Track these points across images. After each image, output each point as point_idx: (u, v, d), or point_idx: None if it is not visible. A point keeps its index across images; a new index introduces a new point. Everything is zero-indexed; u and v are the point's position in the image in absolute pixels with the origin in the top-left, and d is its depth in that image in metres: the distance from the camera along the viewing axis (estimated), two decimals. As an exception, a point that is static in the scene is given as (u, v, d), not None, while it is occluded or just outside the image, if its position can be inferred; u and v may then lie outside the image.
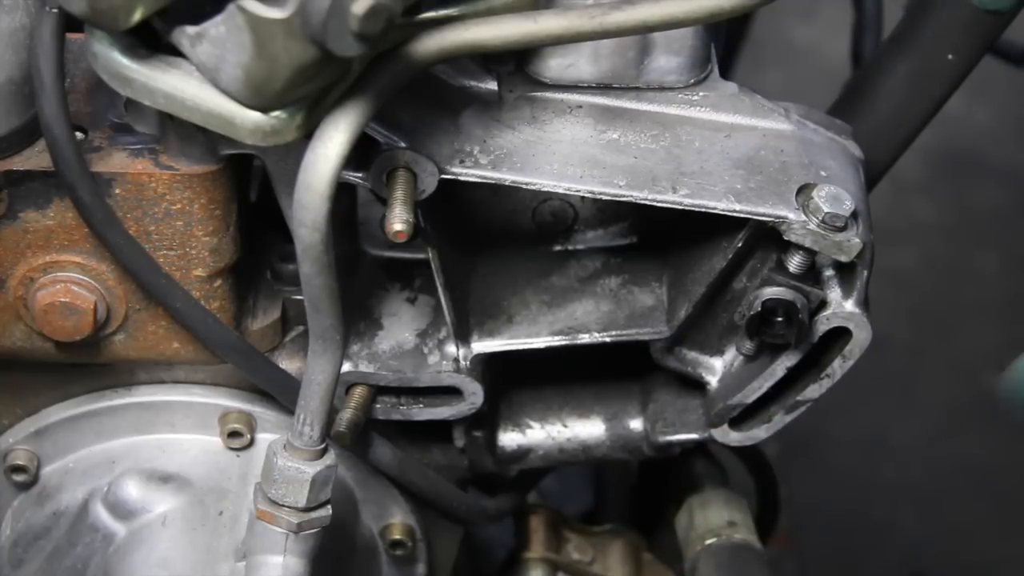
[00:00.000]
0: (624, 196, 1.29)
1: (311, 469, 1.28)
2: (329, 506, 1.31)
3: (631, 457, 1.54)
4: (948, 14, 1.47)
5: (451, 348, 1.41)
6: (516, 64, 1.33)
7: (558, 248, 1.45)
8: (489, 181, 1.29)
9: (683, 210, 1.29)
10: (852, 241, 1.29)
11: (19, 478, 1.47)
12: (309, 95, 1.16)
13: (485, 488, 1.58)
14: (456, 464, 1.52)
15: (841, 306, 1.34)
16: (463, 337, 1.41)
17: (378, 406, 1.43)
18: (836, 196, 1.29)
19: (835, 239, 1.29)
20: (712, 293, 1.38)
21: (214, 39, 1.13)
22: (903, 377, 3.30)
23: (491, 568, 1.77)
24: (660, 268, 1.43)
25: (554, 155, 1.30)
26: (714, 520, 1.56)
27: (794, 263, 1.33)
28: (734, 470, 1.67)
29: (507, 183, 1.29)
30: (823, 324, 1.34)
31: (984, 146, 3.74)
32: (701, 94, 1.34)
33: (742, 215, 1.29)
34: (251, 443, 1.45)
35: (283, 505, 1.29)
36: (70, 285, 1.34)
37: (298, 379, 1.33)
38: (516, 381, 1.51)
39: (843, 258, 1.30)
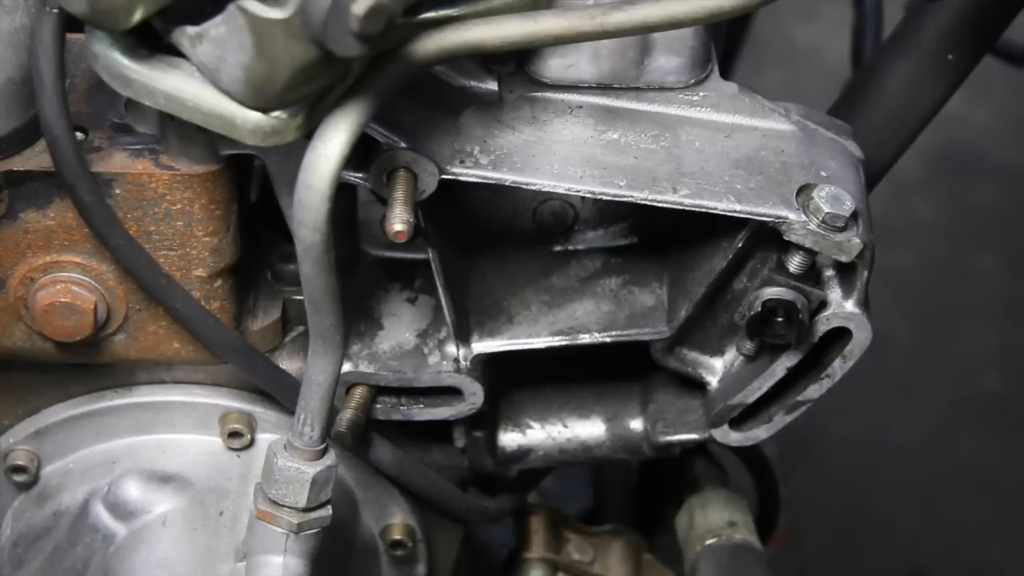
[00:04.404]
0: (624, 196, 1.29)
1: (311, 469, 1.28)
2: (329, 506, 1.31)
3: (631, 457, 1.54)
4: (948, 14, 1.47)
5: (451, 348, 1.41)
6: (516, 64, 1.33)
7: (558, 248, 1.45)
8: (489, 181, 1.29)
9: (683, 210, 1.29)
10: (852, 241, 1.29)
11: (19, 478, 1.47)
12: (309, 95, 1.16)
13: (485, 488, 1.58)
14: (456, 464, 1.52)
15: (841, 306, 1.34)
16: (463, 337, 1.41)
17: (378, 406, 1.43)
18: (836, 196, 1.29)
19: (835, 239, 1.29)
20: (712, 293, 1.38)
21: (214, 39, 1.13)
22: (903, 377, 3.30)
23: (491, 568, 1.77)
24: (660, 268, 1.43)
25: (554, 155, 1.30)
26: (714, 520, 1.56)
27: (794, 263, 1.33)
28: (734, 470, 1.68)
29: (507, 183, 1.29)
30: (823, 324, 1.34)
31: (984, 146, 3.74)
32: (701, 94, 1.34)
33: (742, 215, 1.29)
34: (251, 443, 1.45)
35: (283, 505, 1.29)
36: (70, 285, 1.34)
37: (298, 379, 1.33)
38: (516, 381, 1.51)
39: (843, 258, 1.30)
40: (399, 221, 1.23)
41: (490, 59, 1.32)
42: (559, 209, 1.43)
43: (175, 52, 1.17)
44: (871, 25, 1.99)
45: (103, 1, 1.13)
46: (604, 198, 1.30)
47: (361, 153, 1.26)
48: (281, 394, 1.40)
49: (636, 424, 1.51)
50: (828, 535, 2.95)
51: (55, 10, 1.21)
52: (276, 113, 1.16)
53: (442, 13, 1.19)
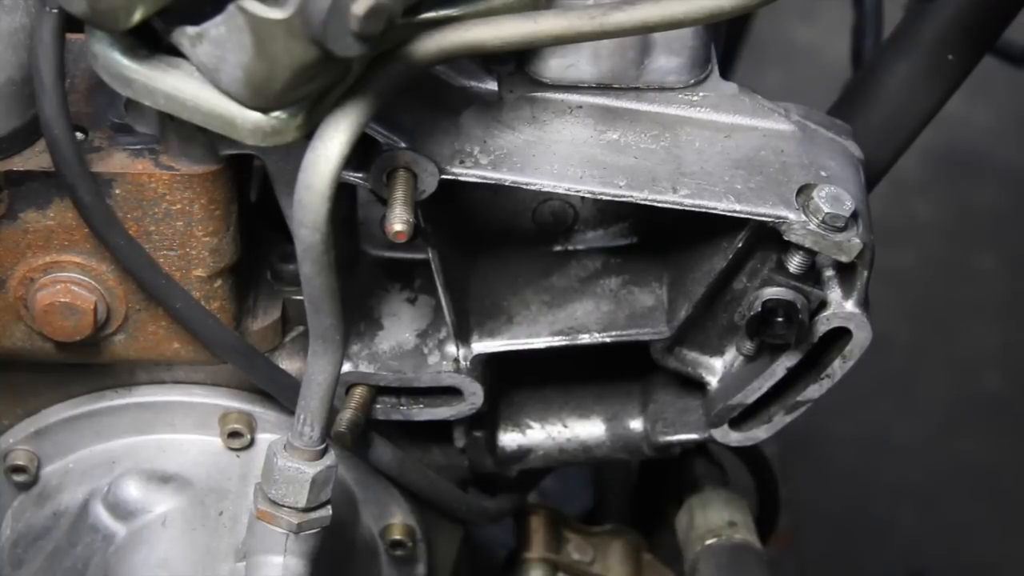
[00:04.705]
0: (624, 196, 1.29)
1: (311, 469, 1.28)
2: (329, 506, 1.31)
3: (631, 457, 1.54)
4: (948, 14, 1.47)
5: (451, 348, 1.41)
6: (516, 64, 1.33)
7: (558, 248, 1.45)
8: (489, 181, 1.29)
9: (683, 210, 1.29)
10: (852, 241, 1.29)
11: (19, 478, 1.47)
12: (309, 95, 1.16)
13: (485, 488, 1.58)
14: (456, 464, 1.52)
15: (841, 306, 1.34)
16: (463, 337, 1.41)
17: (378, 406, 1.43)
18: (836, 196, 1.29)
19: (835, 239, 1.29)
20: (712, 293, 1.37)
21: (214, 39, 1.13)
22: (903, 377, 3.30)
23: (491, 568, 1.77)
24: (660, 268, 1.43)
25: (554, 155, 1.30)
26: (714, 520, 1.56)
27: (794, 263, 1.33)
28: (734, 470, 1.68)
29: (507, 183, 1.29)
30: (823, 324, 1.34)
31: (984, 146, 3.74)
32: (701, 94, 1.34)
33: (742, 215, 1.29)
34: (251, 443, 1.45)
35: (283, 505, 1.29)
36: (70, 285, 1.34)
37: (298, 379, 1.33)
38: (516, 381, 1.51)
39: (843, 258, 1.30)
40: (399, 221, 1.23)
41: (490, 59, 1.32)
42: (559, 209, 1.43)
43: (175, 52, 1.17)
44: (871, 25, 1.99)
45: (103, 1, 1.13)
46: (604, 198, 1.30)
47: (361, 153, 1.26)
48: (281, 394, 1.40)
49: (636, 424, 1.51)
50: (828, 535, 2.95)
51: (55, 10, 1.21)
52: (276, 113, 1.16)
53: (442, 13, 1.19)
